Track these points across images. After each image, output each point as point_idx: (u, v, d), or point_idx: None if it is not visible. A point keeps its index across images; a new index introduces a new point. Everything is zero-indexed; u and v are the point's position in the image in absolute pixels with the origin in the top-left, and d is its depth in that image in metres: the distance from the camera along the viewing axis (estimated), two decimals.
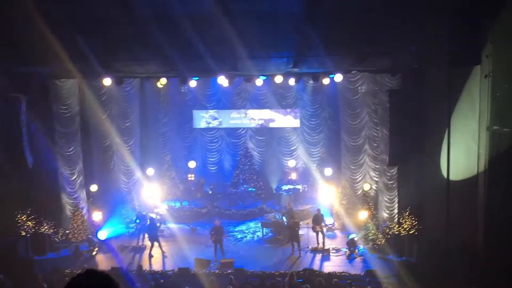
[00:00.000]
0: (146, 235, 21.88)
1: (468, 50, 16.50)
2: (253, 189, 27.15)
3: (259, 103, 27.27)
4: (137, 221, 22.29)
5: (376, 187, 23.08)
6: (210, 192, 27.43)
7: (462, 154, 17.38)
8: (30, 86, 20.43)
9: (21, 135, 19.63)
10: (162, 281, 17.21)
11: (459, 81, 17.33)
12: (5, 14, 16.31)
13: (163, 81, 22.18)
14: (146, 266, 19.37)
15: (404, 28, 16.28)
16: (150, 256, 20.92)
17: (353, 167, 24.54)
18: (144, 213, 22.94)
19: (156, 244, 21.08)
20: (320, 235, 21.48)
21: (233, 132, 28.31)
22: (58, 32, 15.78)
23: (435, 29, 16.45)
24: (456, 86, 17.44)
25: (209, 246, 21.24)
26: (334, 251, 21.27)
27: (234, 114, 27.77)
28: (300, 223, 21.80)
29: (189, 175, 27.86)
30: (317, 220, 21.70)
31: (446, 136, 17.94)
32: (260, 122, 27.53)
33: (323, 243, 21.45)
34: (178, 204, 25.99)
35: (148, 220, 21.84)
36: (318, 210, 21.85)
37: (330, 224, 23.50)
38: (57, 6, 15.37)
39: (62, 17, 15.12)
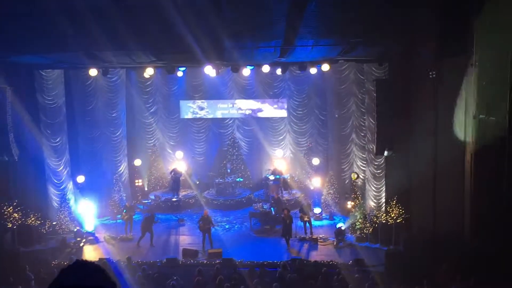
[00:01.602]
0: (130, 226, 22.01)
1: (455, 40, 16.52)
2: (241, 179, 27.16)
3: (246, 93, 27.21)
4: (124, 211, 22.27)
5: (363, 176, 23.16)
6: (197, 182, 27.37)
7: (448, 143, 17.45)
8: (16, 76, 20.24)
9: (6, 126, 19.45)
10: (149, 272, 17.19)
11: (445, 70, 17.38)
12: None
13: (150, 71, 22.06)
14: (134, 257, 19.31)
15: (391, 17, 16.27)
16: (138, 246, 20.91)
17: (340, 157, 24.61)
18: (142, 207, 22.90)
19: (146, 235, 21.05)
20: (307, 224, 21.57)
21: (220, 122, 28.25)
22: (45, 20, 15.60)
23: (423, 19, 16.45)
24: (443, 75, 17.49)
25: (197, 236, 21.29)
26: (321, 240, 21.35)
27: (221, 104, 27.68)
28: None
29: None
30: (305, 210, 21.80)
31: (433, 125, 18.01)
32: (248, 112, 27.47)
33: (311, 232, 21.54)
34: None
35: (147, 214, 21.84)
36: (306, 199, 21.92)
37: (318, 213, 23.60)
38: None
39: (49, 5, 14.92)
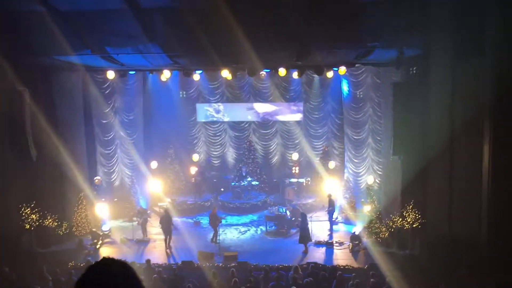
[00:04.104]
0: (148, 228, 22.12)
1: (473, 43, 16.41)
2: (257, 183, 27.14)
3: (262, 97, 27.25)
4: (137, 216, 22.41)
5: (379, 180, 23.04)
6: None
7: (465, 146, 17.32)
8: (34, 78, 20.41)
9: (24, 127, 19.62)
10: (165, 274, 17.23)
11: (463, 72, 17.26)
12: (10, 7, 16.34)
13: (166, 74, 22.12)
14: (151, 259, 19.34)
15: (408, 21, 16.21)
16: (168, 248, 21.11)
17: (356, 161, 24.54)
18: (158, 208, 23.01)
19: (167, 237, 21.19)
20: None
21: (236, 126, 28.31)
22: (62, 23, 15.78)
23: (440, 22, 16.38)
24: (460, 77, 17.37)
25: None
26: (337, 244, 21.28)
27: (237, 107, 27.72)
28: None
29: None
30: (331, 203, 22.41)
31: (449, 128, 17.88)
32: (264, 115, 27.49)
33: (331, 229, 22.06)
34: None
35: (163, 212, 21.90)
36: (329, 195, 22.15)
37: (334, 218, 23.54)
38: None
39: (66, 8, 15.10)
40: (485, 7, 15.81)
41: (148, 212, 23.40)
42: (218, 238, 21.50)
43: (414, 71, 18.08)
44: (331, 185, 23.97)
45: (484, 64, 15.94)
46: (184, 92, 27.51)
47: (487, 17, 15.82)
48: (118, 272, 2.29)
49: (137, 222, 22.52)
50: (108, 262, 2.34)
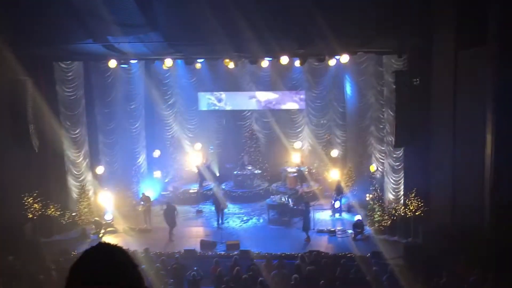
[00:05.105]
0: (148, 217, 22.32)
1: (475, 31, 16.35)
2: (259, 171, 27.12)
3: (264, 85, 27.12)
4: (142, 202, 22.42)
5: (382, 168, 23.02)
6: (218, 175, 27.51)
7: (468, 135, 17.29)
8: (36, 68, 20.40)
9: (26, 117, 19.64)
10: (168, 263, 17.29)
11: (465, 62, 17.20)
12: None
13: (168, 62, 22.05)
14: (152, 248, 19.37)
15: (411, 9, 16.15)
16: (171, 237, 21.20)
17: (359, 149, 24.49)
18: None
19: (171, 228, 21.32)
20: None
21: (238, 114, 28.24)
22: (65, 13, 15.75)
23: (442, 10, 16.31)
24: (463, 66, 17.31)
25: (215, 227, 21.98)
26: (340, 232, 21.31)
27: (239, 96, 27.67)
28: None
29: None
30: (339, 189, 22.79)
31: (452, 117, 17.85)
32: (266, 104, 27.43)
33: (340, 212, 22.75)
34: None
35: (165, 205, 21.97)
36: (338, 181, 22.39)
37: (337, 207, 23.53)
38: None
39: None
40: None
41: (152, 200, 23.37)
42: (222, 221, 22.19)
43: (417, 82, 18.03)
44: (336, 173, 24.14)
45: (486, 54, 15.87)
46: (186, 81, 27.38)
47: (490, 6, 15.73)
48: (113, 256, 2.29)
49: (140, 208, 22.53)
50: (103, 247, 2.34)
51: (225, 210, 22.89)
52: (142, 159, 25.88)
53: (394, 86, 19.76)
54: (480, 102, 16.37)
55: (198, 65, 23.78)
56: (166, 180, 27.04)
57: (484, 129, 16.17)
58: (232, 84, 27.23)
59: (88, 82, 22.84)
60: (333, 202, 23.02)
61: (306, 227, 20.78)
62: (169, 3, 15.41)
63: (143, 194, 23.03)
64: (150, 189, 24.82)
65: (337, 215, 23.12)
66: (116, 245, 2.34)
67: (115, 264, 2.25)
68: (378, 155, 23.30)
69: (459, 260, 16.28)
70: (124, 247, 2.37)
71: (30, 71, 19.68)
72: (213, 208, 23.29)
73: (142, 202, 22.46)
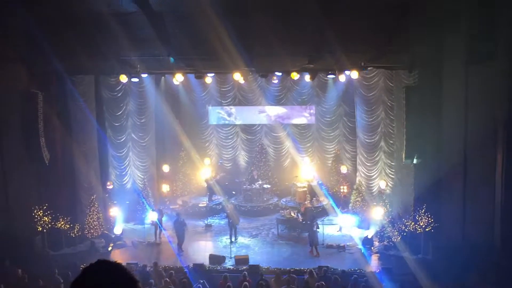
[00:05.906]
0: (161, 231, 22.17)
1: (485, 46, 16.33)
2: (268, 186, 27.06)
3: (274, 100, 27.18)
4: (151, 216, 22.41)
5: (391, 183, 22.93)
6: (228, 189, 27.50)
7: (479, 150, 17.22)
8: (48, 82, 20.56)
9: (38, 130, 19.75)
10: (176, 277, 17.24)
11: (475, 77, 17.17)
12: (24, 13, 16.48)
13: (179, 77, 22.14)
14: (161, 262, 19.34)
15: (421, 24, 16.16)
16: (180, 251, 21.10)
17: (368, 164, 24.42)
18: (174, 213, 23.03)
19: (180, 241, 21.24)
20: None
21: (248, 129, 28.29)
22: (77, 28, 15.89)
23: (452, 26, 16.32)
24: (473, 82, 17.28)
25: (224, 242, 21.89)
26: (349, 248, 21.19)
27: (249, 110, 27.72)
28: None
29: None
30: (346, 201, 23.27)
31: (463, 133, 17.79)
32: (276, 118, 27.46)
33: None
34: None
35: (175, 217, 21.93)
36: (344, 194, 22.46)
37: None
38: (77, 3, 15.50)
39: (80, 13, 15.20)
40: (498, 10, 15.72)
41: (162, 210, 23.32)
42: (235, 237, 22.03)
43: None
44: (345, 187, 24.12)
45: (497, 69, 15.85)
46: (196, 95, 27.47)
47: (499, 21, 15.73)
48: (112, 273, 2.30)
49: (150, 223, 22.52)
50: (102, 264, 2.35)
51: (237, 226, 22.75)
52: (151, 173, 25.90)
53: (404, 102, 19.75)
54: (491, 117, 16.32)
55: (208, 80, 23.86)
56: (175, 195, 27.04)
57: (495, 145, 16.11)
58: (242, 98, 27.32)
59: (99, 96, 22.98)
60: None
61: (312, 242, 20.69)
62: (180, 18, 15.50)
63: (152, 209, 23.02)
64: (160, 203, 24.83)
65: (345, 230, 22.93)
66: (115, 262, 2.35)
67: (114, 281, 2.26)
68: (388, 170, 23.24)
69: (469, 277, 16.14)
70: (133, 261, 2.38)
71: (41, 85, 19.83)
72: (222, 222, 23.25)
73: (150, 219, 22.45)
